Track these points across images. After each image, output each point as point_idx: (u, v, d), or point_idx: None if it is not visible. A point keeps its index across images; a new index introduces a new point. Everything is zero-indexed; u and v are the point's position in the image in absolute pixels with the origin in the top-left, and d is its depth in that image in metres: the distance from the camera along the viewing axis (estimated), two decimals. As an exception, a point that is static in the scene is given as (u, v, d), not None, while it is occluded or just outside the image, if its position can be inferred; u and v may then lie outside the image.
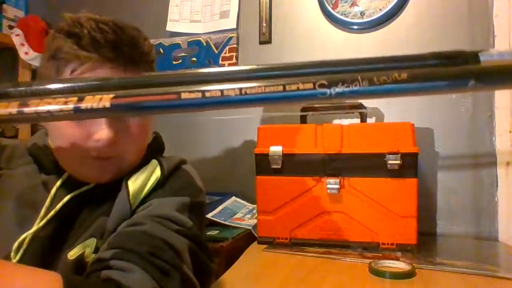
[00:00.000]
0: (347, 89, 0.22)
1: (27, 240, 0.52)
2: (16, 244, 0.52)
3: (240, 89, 0.22)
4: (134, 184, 0.55)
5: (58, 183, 0.56)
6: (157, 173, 0.58)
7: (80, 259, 0.51)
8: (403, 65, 0.23)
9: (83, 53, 0.51)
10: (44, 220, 0.53)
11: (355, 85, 0.22)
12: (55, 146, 0.56)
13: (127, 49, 0.53)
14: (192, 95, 0.22)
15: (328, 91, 0.22)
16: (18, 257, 0.52)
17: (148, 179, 0.57)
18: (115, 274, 0.42)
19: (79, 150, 0.53)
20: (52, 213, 0.54)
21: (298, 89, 0.22)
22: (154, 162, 0.60)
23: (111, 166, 0.56)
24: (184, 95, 0.22)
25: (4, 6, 1.54)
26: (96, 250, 0.52)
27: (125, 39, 0.53)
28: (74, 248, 0.52)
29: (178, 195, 0.56)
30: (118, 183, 0.56)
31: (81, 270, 0.49)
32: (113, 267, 0.43)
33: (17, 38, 1.50)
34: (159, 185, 0.57)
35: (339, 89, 0.22)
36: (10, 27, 1.54)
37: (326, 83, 0.22)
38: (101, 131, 0.52)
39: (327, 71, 0.23)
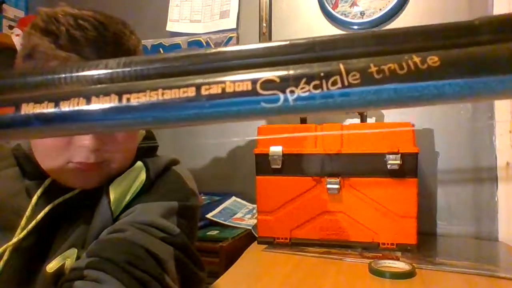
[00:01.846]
0: (318, 91, 0.11)
1: (7, 252, 0.49)
2: None
3: (120, 96, 0.14)
4: (115, 190, 0.51)
5: (39, 191, 0.52)
6: (142, 176, 0.53)
7: (60, 271, 0.48)
8: (430, 43, 0.12)
9: (61, 53, 0.46)
10: (25, 231, 0.50)
11: (334, 83, 0.11)
12: (36, 151, 0.52)
13: (111, 48, 0.48)
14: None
15: (281, 96, 0.12)
16: None
17: (131, 183, 0.53)
18: (88, 285, 0.40)
19: (61, 156, 0.49)
20: (33, 223, 0.50)
21: (216, 94, 0.13)
22: (139, 164, 0.55)
23: (97, 172, 0.51)
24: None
25: (4, 6, 1.53)
26: None
27: (108, 36, 0.47)
28: (53, 260, 0.48)
29: (165, 200, 0.52)
30: (102, 189, 0.52)
31: None
32: (87, 278, 0.41)
33: (17, 38, 1.49)
34: (144, 189, 0.53)
35: (302, 90, 0.11)
36: (10, 27, 1.53)
37: (276, 79, 0.12)
38: (84, 137, 0.48)
39: (280, 61, 0.13)
